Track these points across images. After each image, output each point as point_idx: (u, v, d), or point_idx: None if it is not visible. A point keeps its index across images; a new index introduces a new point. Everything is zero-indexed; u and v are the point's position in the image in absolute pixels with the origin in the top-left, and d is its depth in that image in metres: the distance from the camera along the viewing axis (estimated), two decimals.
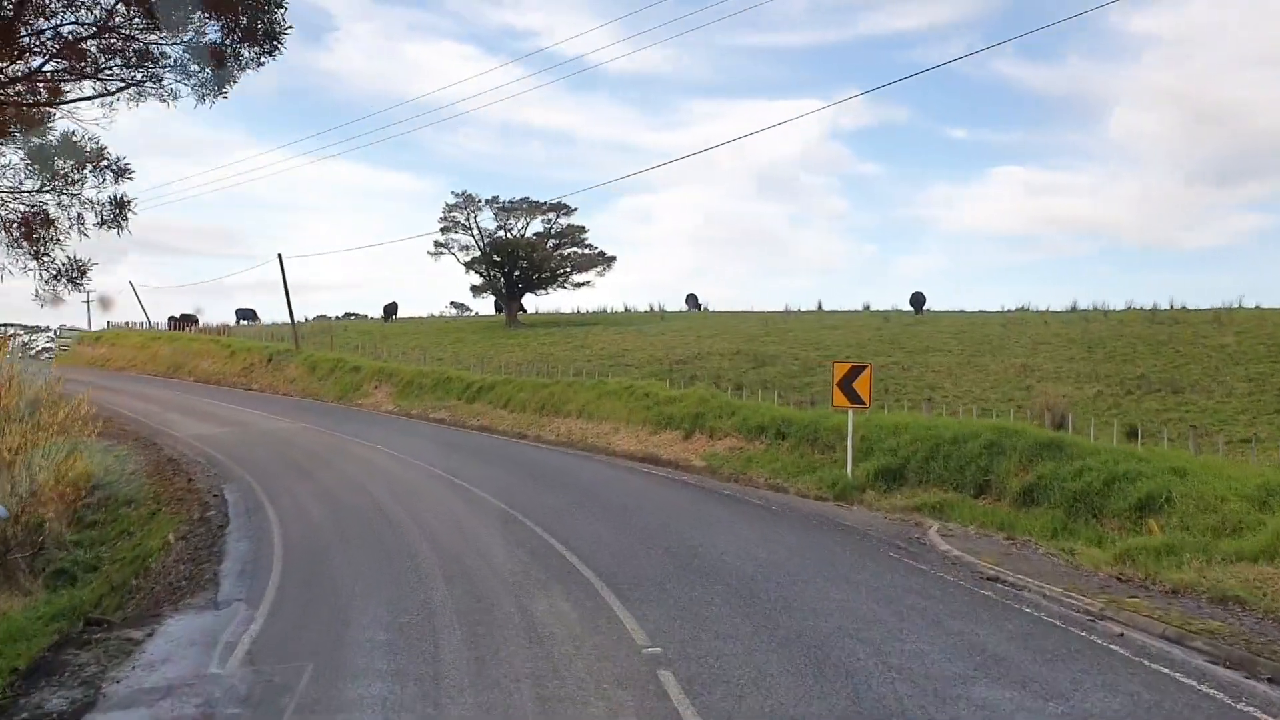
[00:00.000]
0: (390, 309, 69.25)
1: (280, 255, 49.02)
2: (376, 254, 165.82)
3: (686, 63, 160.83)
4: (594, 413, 30.44)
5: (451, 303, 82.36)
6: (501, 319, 64.19)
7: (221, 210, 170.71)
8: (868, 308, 60.35)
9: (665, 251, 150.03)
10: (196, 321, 70.84)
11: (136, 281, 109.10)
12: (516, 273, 60.09)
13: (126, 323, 77.46)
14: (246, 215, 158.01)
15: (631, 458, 25.42)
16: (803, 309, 63.20)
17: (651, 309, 67.17)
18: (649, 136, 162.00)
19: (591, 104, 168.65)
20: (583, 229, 61.25)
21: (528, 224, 60.54)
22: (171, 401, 35.97)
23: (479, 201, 59.73)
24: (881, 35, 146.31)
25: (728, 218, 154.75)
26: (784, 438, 23.07)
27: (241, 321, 74.10)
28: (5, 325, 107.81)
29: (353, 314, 77.52)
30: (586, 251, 61.23)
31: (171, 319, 73.60)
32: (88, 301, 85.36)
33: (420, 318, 72.24)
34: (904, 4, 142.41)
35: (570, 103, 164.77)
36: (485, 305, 70.86)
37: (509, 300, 60.51)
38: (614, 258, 61.79)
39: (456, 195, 59.33)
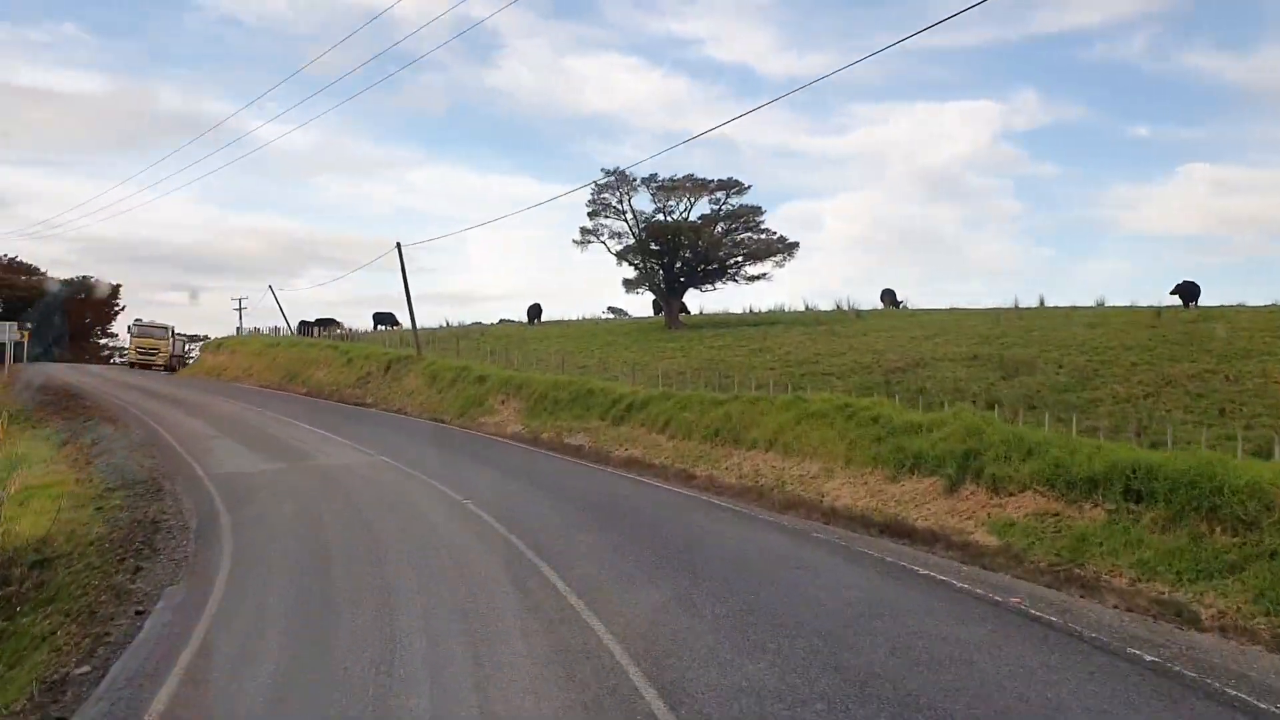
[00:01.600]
0: (534, 311, 62.14)
1: (399, 244, 42.58)
2: (535, 261, 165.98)
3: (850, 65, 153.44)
4: (792, 444, 21.65)
5: (609, 308, 75.13)
6: (659, 321, 56.04)
7: (395, 225, 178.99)
8: (1102, 303, 48.84)
9: (829, 257, 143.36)
10: (337, 325, 65.72)
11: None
12: (678, 264, 51.80)
13: (255, 328, 73.64)
14: (417, 230, 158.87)
15: (861, 521, 16.55)
16: (1024, 305, 52.27)
17: (839, 307, 57.27)
18: (813, 142, 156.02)
19: (753, 106, 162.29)
20: (758, 210, 52.43)
21: (692, 205, 52.23)
22: (241, 421, 29.33)
23: (633, 180, 51.85)
24: (1057, 32, 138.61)
25: (895, 222, 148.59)
26: (1142, 500, 13.65)
27: (379, 326, 68.40)
28: (194, 336, 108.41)
29: (507, 320, 70.73)
30: (763, 237, 52.33)
31: (304, 323, 68.92)
32: (239, 309, 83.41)
33: (569, 320, 65.00)
34: None
35: (733, 109, 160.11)
36: (643, 307, 63.07)
37: (668, 297, 52.22)
38: (796, 244, 52.66)
39: (607, 173, 51.66)
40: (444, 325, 62.93)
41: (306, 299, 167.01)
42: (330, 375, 46.94)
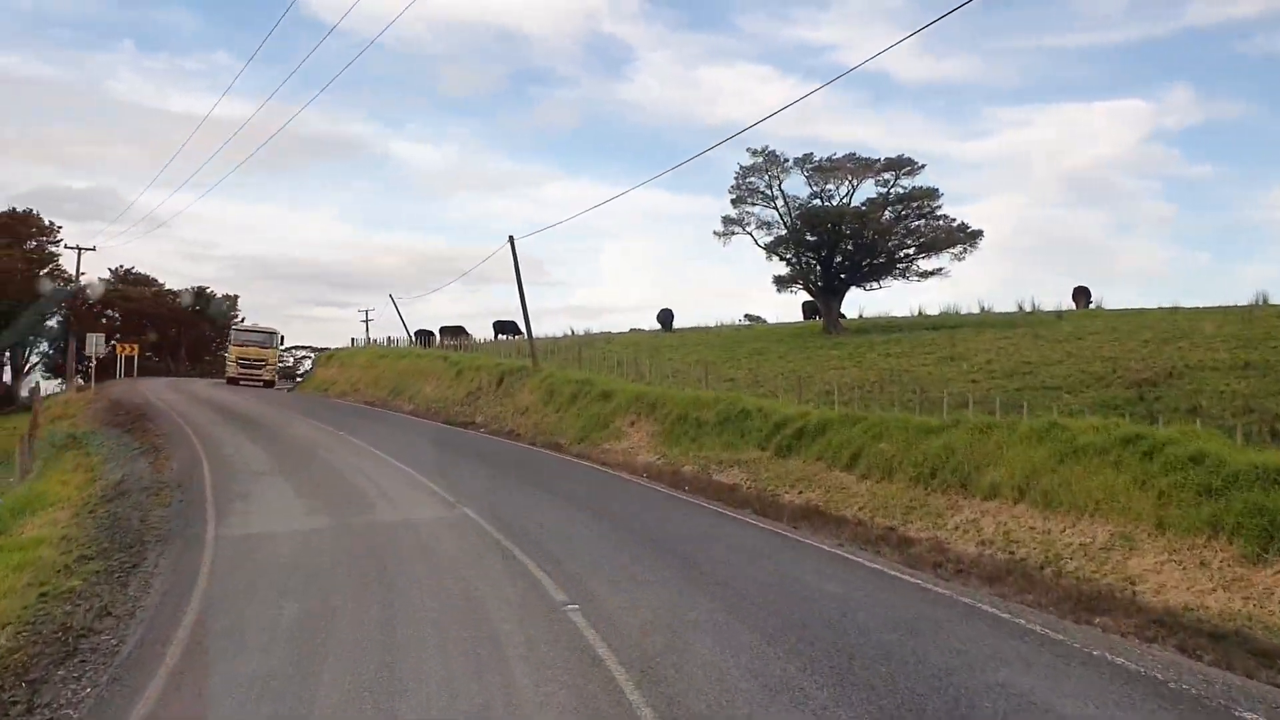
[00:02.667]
0: (666, 317, 56.11)
1: (511, 238, 37.29)
2: (665, 272, 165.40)
3: (990, 68, 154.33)
4: (1055, 494, 14.98)
5: (746, 315, 68.78)
6: (812, 326, 49.44)
7: (529, 240, 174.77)
8: None
9: (971, 264, 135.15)
10: (465, 335, 61.19)
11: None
12: (838, 257, 45.12)
13: (370, 339, 70.07)
14: (550, 244, 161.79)
15: (1236, 640, 9.89)
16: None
17: (1021, 307, 49.20)
18: (952, 146, 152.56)
19: (890, 116, 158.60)
20: (933, 193, 45.23)
21: (854, 188, 45.53)
22: (310, 451, 24.22)
23: (784, 161, 45.48)
24: (1212, 25, 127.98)
25: (1038, 226, 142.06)
26: None
27: (500, 336, 63.45)
28: (295, 348, 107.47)
29: (637, 329, 64.78)
30: (940, 224, 45.13)
31: (420, 333, 64.71)
32: (366, 321, 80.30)
33: (706, 327, 58.86)
34: None
35: (869, 115, 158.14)
36: (785, 313, 56.56)
37: (826, 296, 45.54)
38: (979, 232, 45.23)
39: (754, 153, 45.40)
40: (567, 334, 57.66)
41: (445, 312, 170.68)
42: (438, 390, 42.06)
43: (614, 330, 61.88)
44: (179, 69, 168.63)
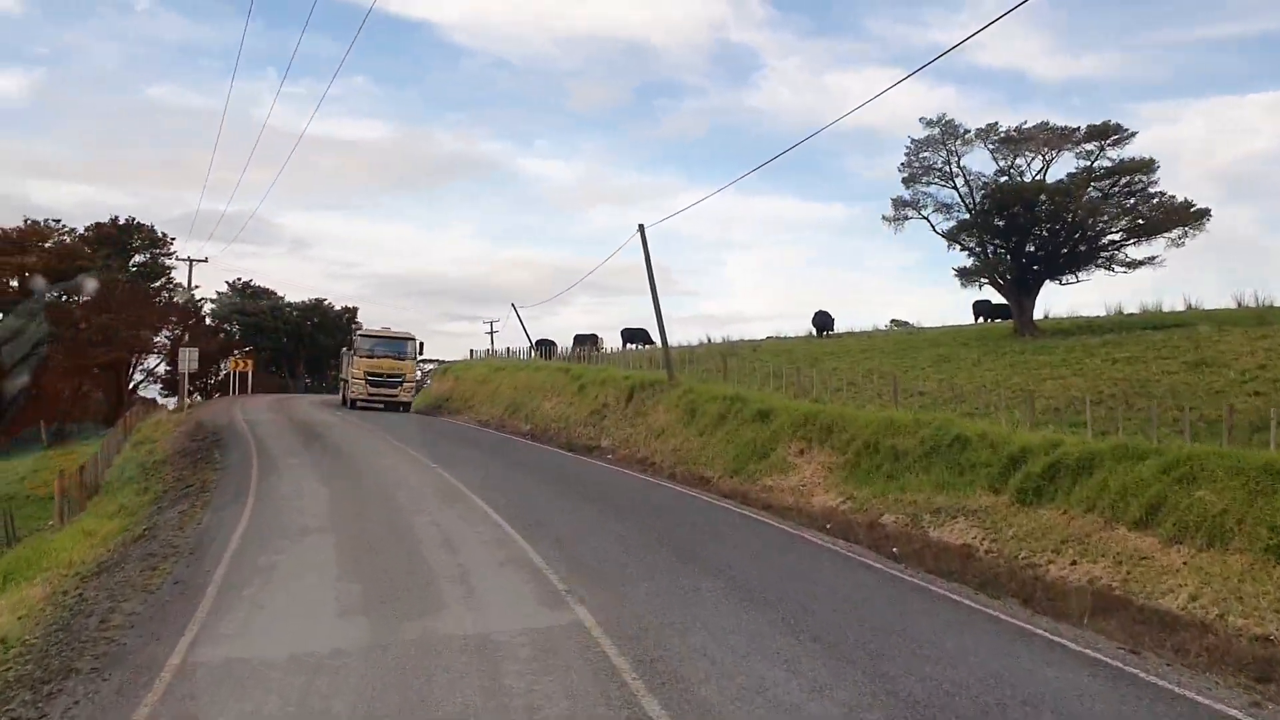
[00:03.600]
0: (823, 320, 49.65)
1: (641, 226, 31.78)
2: (798, 276, 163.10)
3: (1131, 63, 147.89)
4: None
5: (893, 321, 61.89)
6: (995, 328, 42.58)
7: (659, 250, 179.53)
8: None
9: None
10: (596, 344, 55.98)
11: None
12: (1031, 245, 38.21)
13: (492, 351, 65.88)
14: (679, 254, 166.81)
15: None
16: None
17: (1241, 303, 40.77)
18: (1092, 146, 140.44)
19: (1026, 116, 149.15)
20: (1149, 164, 37.84)
21: (1049, 162, 38.53)
22: (387, 495, 19.09)
23: (965, 133, 38.85)
24: None
25: None
26: None
27: (629, 345, 57.76)
28: (423, 360, 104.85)
29: (775, 336, 58.04)
30: (1158, 202, 37.71)
31: (542, 342, 59.83)
32: (490, 333, 76.25)
33: (864, 332, 52.32)
34: None
35: (1005, 115, 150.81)
36: (931, 313, 49.42)
37: (1018, 291, 38.58)
38: (1205, 211, 37.61)
39: (929, 123, 38.93)
40: (703, 342, 51.78)
41: (575, 323, 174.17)
42: (558, 408, 36.94)
43: (755, 337, 55.66)
44: (318, 94, 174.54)
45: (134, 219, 68.07)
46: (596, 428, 32.19)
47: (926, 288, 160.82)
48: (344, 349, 54.12)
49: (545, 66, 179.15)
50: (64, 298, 56.84)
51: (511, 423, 39.07)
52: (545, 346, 56.66)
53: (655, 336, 56.24)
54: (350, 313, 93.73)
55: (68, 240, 59.63)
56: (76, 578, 13.48)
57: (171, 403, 65.52)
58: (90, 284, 53.71)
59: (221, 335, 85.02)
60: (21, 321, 48.01)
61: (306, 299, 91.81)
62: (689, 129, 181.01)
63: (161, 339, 67.21)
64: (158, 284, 71.07)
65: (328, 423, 36.41)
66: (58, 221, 60.47)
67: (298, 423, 35.92)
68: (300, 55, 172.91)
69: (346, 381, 46.85)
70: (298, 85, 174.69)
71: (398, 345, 45.14)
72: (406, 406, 44.70)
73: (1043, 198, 37.22)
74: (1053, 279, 39.29)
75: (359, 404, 43.59)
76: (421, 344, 46.95)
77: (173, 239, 69.11)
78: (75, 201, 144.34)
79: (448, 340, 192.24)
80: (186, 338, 69.19)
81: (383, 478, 20.85)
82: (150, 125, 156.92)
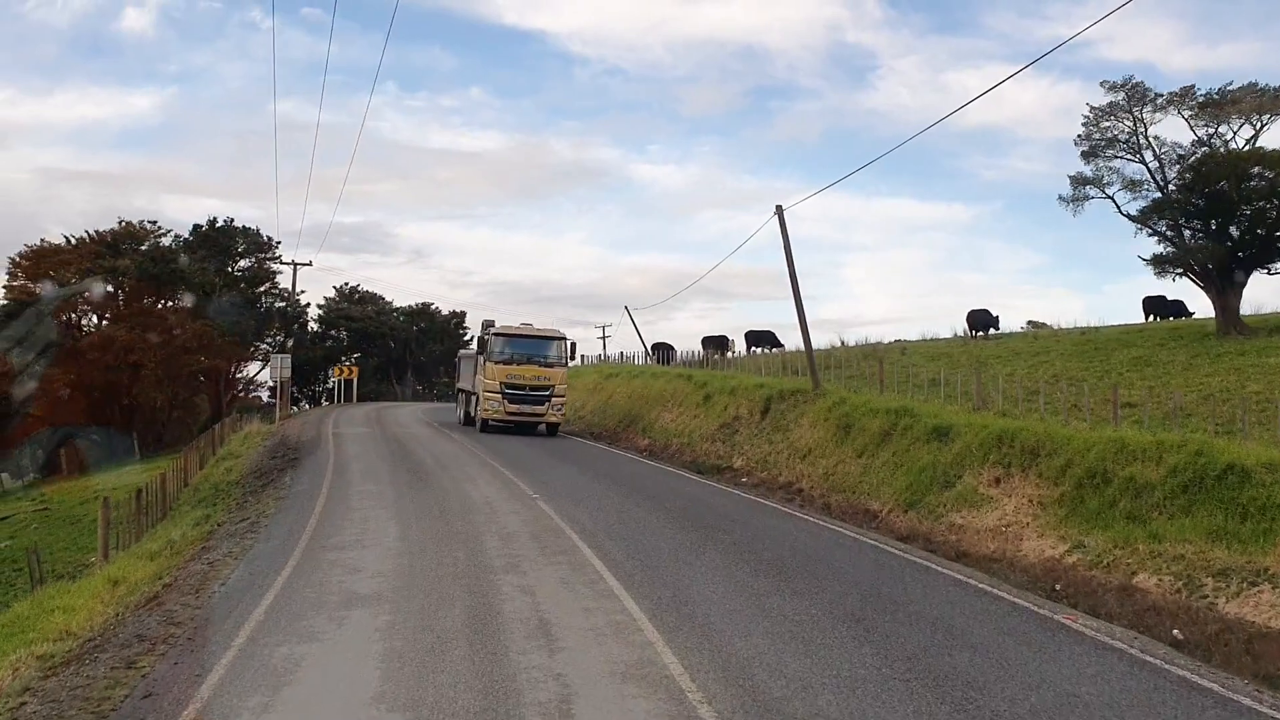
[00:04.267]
0: (981, 319, 44.15)
1: (779, 208, 27.43)
2: (919, 278, 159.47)
3: (1271, 54, 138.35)
4: None
5: (1029, 321, 56.12)
6: (1190, 325, 36.99)
7: (773, 254, 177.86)
8: None
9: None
10: (727, 347, 51.70)
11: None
12: (1235, 228, 32.56)
13: (604, 356, 62.31)
14: (795, 257, 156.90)
15: None
16: None
17: None
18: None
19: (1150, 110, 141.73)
20: None
21: (1259, 129, 32.84)
22: (473, 536, 15.28)
23: (1154, 97, 33.43)
24: None
25: None
26: None
27: (754, 349, 53.06)
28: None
29: (927, 338, 52.06)
30: None
31: (659, 346, 55.74)
32: (603, 338, 72.93)
33: (1024, 333, 46.80)
34: None
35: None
36: (1068, 314, 43.76)
37: (1221, 283, 32.92)
38: None
39: (1111, 87, 33.61)
40: (838, 345, 46.63)
41: (690, 329, 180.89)
42: (680, 420, 32.89)
43: (884, 339, 50.32)
44: (437, 106, 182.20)
45: (231, 219, 65.87)
46: (726, 445, 27.99)
47: (1055, 289, 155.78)
48: (463, 352, 45.70)
49: (658, 73, 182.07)
50: (162, 303, 55.33)
51: (626, 436, 35.17)
52: (663, 351, 52.54)
53: (784, 337, 51.79)
54: (458, 317, 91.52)
55: (164, 242, 57.87)
56: (42, 667, 9.92)
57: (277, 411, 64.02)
58: (186, 288, 51.87)
59: (329, 342, 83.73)
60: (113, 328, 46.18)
61: (413, 303, 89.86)
62: (803, 131, 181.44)
63: (264, 346, 65.56)
64: (261, 289, 69.24)
65: (419, 437, 33.08)
66: (153, 223, 58.99)
67: (389, 437, 32.64)
68: (419, 69, 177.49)
69: (472, 395, 37.54)
70: (416, 99, 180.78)
71: (544, 346, 35.39)
72: (554, 429, 35.36)
73: (1258, 169, 31.57)
74: (1263, 267, 33.56)
75: (493, 424, 34.50)
76: (573, 344, 36.61)
77: (278, 242, 67.07)
78: (205, 216, 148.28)
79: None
80: (290, 343, 67.56)
81: (470, 514, 17.02)
82: (275, 141, 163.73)
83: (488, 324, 36.43)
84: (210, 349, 53.06)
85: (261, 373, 54.17)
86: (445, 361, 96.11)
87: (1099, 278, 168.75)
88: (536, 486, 20.44)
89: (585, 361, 64.07)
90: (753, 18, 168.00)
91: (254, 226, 66.75)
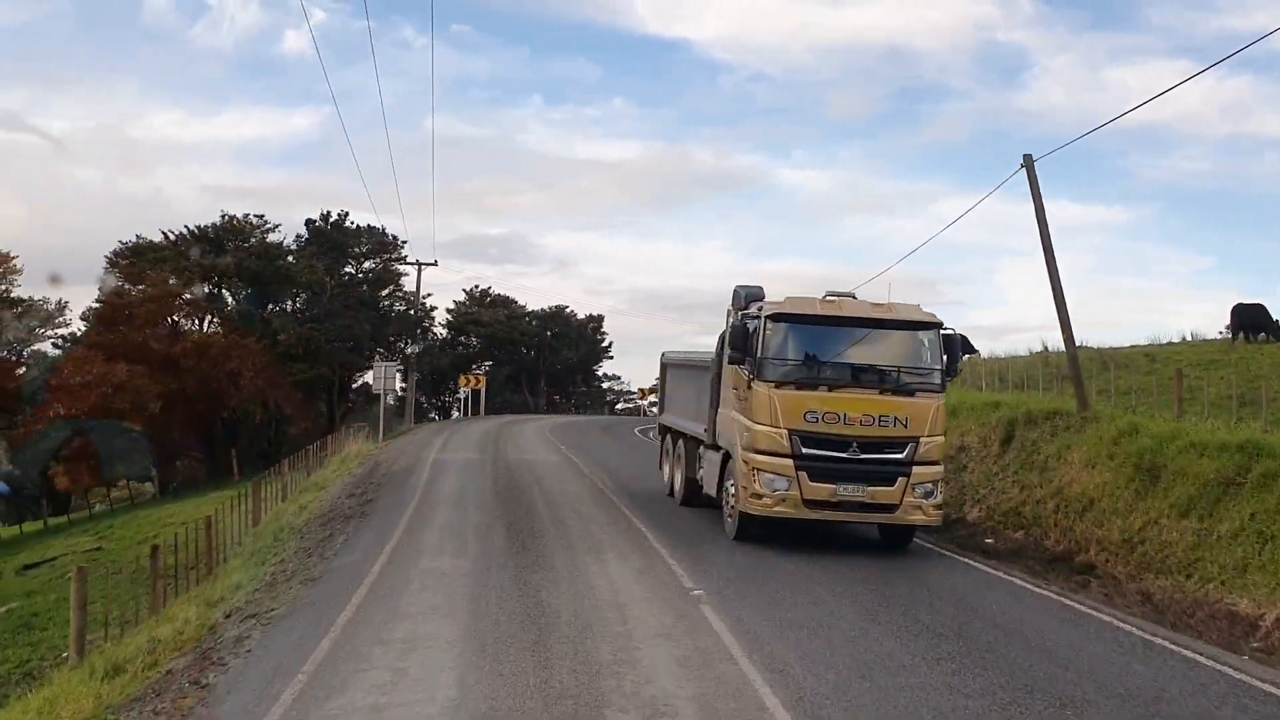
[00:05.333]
0: (1255, 315, 35.34)
1: (1028, 158, 20.11)
2: (1077, 283, 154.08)
3: None
4: None
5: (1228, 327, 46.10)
6: None
7: (921, 259, 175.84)
8: None
9: None
10: (968, 348, 43.28)
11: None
12: None
13: None
14: (945, 263, 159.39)
15: None
16: None
17: None
18: None
19: None
20: None
21: None
22: (585, 655, 8.69)
23: None
24: None
25: None
26: None
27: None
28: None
29: (1185, 340, 42.55)
30: None
31: None
32: None
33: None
34: None
35: None
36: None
37: None
38: None
39: None
40: (1037, 351, 37.58)
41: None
42: None
43: (1133, 344, 41.14)
44: (581, 117, 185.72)
45: (345, 213, 60.40)
46: (953, 487, 20.74)
47: (1225, 291, 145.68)
48: (673, 355, 23.69)
49: (802, 77, 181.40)
50: (269, 305, 51.12)
51: None
52: None
53: (981, 345, 43.63)
54: (595, 321, 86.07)
55: (270, 238, 53.31)
56: None
57: (401, 424, 59.38)
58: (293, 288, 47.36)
59: (458, 349, 79.18)
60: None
61: (546, 306, 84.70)
62: (952, 134, 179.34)
63: (385, 353, 60.95)
64: (384, 292, 64.47)
65: (538, 469, 26.90)
66: (260, 217, 54.53)
67: (500, 469, 26.52)
68: (563, 81, 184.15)
69: (701, 447, 19.03)
70: (560, 110, 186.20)
71: (895, 346, 16.43)
72: (906, 537, 16.64)
73: None
74: None
75: (770, 520, 15.80)
76: (963, 339, 16.76)
77: (404, 242, 62.17)
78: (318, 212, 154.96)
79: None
80: (412, 350, 62.88)
81: (587, 638, 10.33)
82: (428, 156, 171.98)
83: (750, 296, 17.48)
84: (319, 355, 48.34)
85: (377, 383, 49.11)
86: (580, 369, 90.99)
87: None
88: (708, 582, 13.46)
89: None
90: (899, 19, 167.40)
91: (379, 225, 61.81)
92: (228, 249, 49.36)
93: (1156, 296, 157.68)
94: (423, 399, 73.55)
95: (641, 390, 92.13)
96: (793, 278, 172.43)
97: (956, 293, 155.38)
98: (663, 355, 24.09)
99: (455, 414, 73.42)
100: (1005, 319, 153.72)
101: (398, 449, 32.94)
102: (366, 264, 63.13)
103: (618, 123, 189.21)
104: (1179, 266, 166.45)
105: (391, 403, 58.56)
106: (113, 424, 43.10)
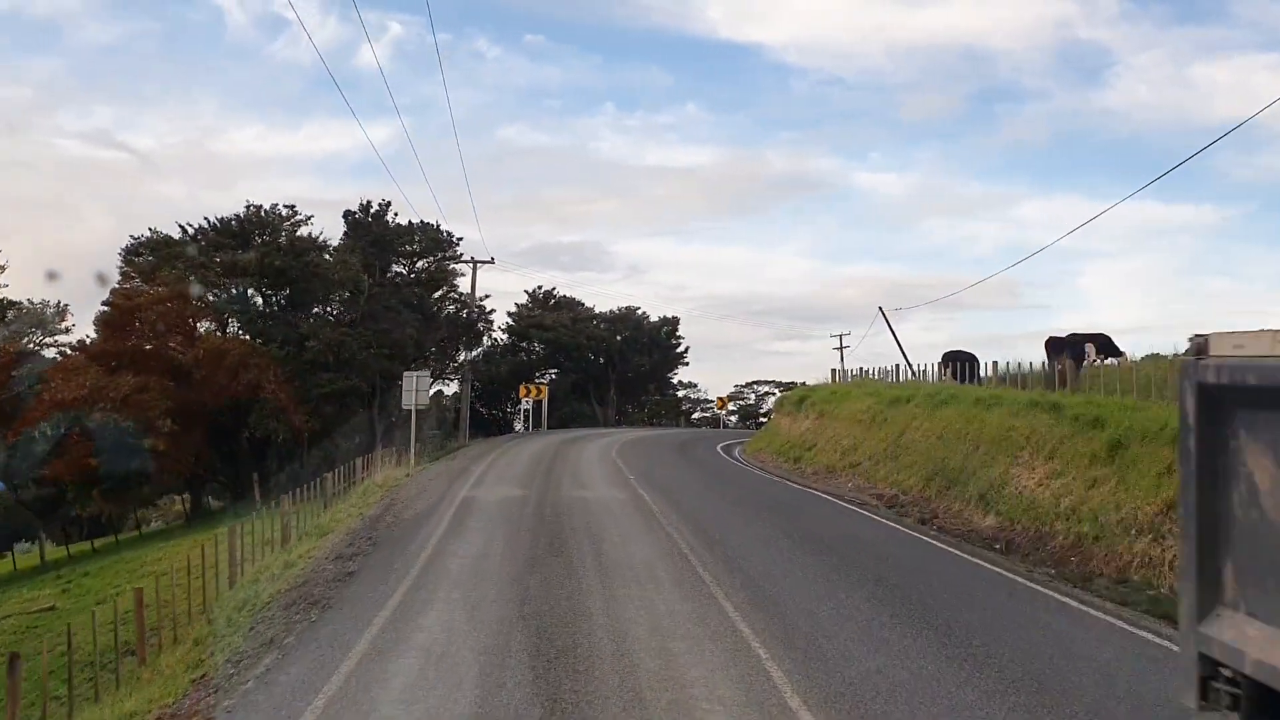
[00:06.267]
0: None
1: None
2: (1163, 286, 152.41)
3: None
4: None
5: None
6: None
7: (1000, 262, 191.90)
8: None
9: None
10: (974, 365, 37.42)
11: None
12: None
13: (843, 370, 48.75)
14: (1026, 266, 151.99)
15: None
16: None
17: None
18: None
19: None
20: None
21: None
22: None
23: None
24: None
25: None
26: None
27: (1104, 359, 37.21)
28: (757, 383, 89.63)
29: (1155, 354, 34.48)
30: None
31: (954, 356, 41.07)
32: (840, 347, 60.80)
33: None
34: None
35: None
36: None
37: None
38: None
39: None
40: (1162, 354, 30.26)
41: (913, 342, 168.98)
42: (1058, 486, 19.23)
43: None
44: (653, 124, 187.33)
45: (387, 203, 54.35)
46: (1166, 545, 14.39)
47: None
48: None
49: (878, 80, 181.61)
50: (298, 308, 45.88)
51: (943, 506, 21.90)
52: (961, 363, 38.13)
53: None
54: (670, 324, 79.90)
55: (301, 232, 47.81)
56: None
57: (471, 439, 53.82)
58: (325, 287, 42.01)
59: (519, 355, 73.67)
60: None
61: (615, 308, 78.81)
62: (1031, 135, 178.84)
63: (441, 361, 55.57)
64: (437, 293, 58.68)
65: (596, 510, 20.88)
66: (290, 207, 49.17)
67: (546, 518, 20.41)
68: (636, 88, 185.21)
69: None
70: (633, 118, 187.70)
71: None
72: None
73: None
74: None
75: None
76: None
77: (459, 239, 56.51)
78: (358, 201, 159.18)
79: (778, 360, 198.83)
80: (465, 357, 57.43)
81: None
82: (501, 166, 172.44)
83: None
84: (353, 364, 42.91)
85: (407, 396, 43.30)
86: (653, 377, 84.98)
87: None
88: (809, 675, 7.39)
89: (835, 377, 50.78)
90: (976, 19, 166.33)
91: (434, 221, 56.11)
92: (253, 244, 44.27)
93: (1244, 298, 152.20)
94: (482, 410, 68.19)
95: (720, 400, 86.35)
96: (869, 281, 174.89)
97: (1037, 296, 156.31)
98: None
99: (517, 427, 68.01)
100: (1088, 322, 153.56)
101: (425, 480, 27.31)
102: (420, 263, 57.66)
103: (691, 129, 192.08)
104: (1269, 268, 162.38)
105: (435, 416, 53.07)
106: (121, 442, 38.21)
